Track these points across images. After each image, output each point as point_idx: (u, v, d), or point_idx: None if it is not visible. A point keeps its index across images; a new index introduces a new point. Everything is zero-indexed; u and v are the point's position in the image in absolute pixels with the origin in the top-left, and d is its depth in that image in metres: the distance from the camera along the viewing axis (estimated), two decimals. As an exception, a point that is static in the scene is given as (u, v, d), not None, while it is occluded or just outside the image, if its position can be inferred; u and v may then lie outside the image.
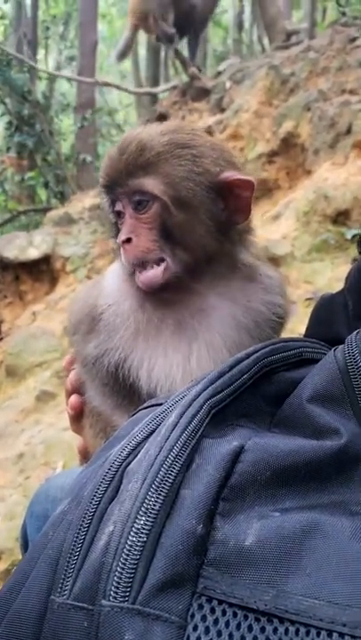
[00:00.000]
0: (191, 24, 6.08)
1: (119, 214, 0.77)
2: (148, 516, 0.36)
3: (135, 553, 0.35)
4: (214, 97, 5.68)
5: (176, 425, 0.42)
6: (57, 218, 5.35)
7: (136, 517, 0.37)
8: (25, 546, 1.13)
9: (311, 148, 4.19)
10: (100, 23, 10.72)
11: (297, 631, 0.31)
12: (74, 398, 0.88)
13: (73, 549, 0.39)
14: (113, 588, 0.34)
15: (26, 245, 4.89)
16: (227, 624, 0.32)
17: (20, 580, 0.41)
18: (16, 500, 2.55)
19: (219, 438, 0.43)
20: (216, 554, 0.35)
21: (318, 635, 0.31)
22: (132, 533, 0.36)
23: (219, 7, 7.93)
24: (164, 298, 0.76)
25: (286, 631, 0.31)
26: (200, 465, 0.40)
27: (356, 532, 0.36)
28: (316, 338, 0.63)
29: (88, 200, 5.51)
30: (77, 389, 0.88)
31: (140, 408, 0.54)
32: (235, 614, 0.33)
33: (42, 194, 8.03)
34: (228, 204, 0.73)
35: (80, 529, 0.39)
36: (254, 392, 0.50)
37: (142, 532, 0.36)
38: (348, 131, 3.91)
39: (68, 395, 0.90)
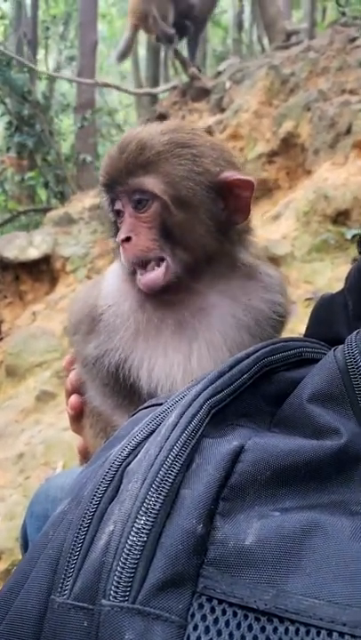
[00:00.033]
0: (190, 24, 6.08)
1: (119, 213, 0.77)
2: (149, 516, 0.36)
3: (135, 553, 0.35)
4: (214, 97, 5.68)
5: (176, 425, 0.42)
6: (57, 218, 5.36)
7: (136, 517, 0.37)
8: (25, 546, 1.13)
9: (311, 147, 4.19)
10: (100, 23, 10.74)
11: (297, 631, 0.31)
12: (74, 398, 0.88)
13: (73, 549, 0.39)
14: (113, 587, 0.35)
15: (26, 245, 4.89)
16: (227, 623, 0.33)
17: (21, 579, 0.41)
18: (16, 500, 2.55)
19: (219, 438, 0.43)
20: (216, 553, 0.35)
21: (318, 634, 0.31)
22: (132, 533, 0.36)
23: (218, 7, 7.95)
24: (165, 298, 0.76)
25: (286, 631, 0.31)
26: (200, 465, 0.40)
27: (356, 532, 0.36)
28: (316, 338, 0.63)
29: (88, 200, 5.51)
30: (77, 389, 0.88)
31: (140, 408, 0.54)
32: (235, 614, 0.33)
33: (42, 194, 8.03)
34: (227, 204, 0.73)
35: (80, 529, 0.39)
36: (254, 392, 0.50)
37: (142, 532, 0.36)
38: (348, 131, 3.91)
39: (68, 395, 0.90)
